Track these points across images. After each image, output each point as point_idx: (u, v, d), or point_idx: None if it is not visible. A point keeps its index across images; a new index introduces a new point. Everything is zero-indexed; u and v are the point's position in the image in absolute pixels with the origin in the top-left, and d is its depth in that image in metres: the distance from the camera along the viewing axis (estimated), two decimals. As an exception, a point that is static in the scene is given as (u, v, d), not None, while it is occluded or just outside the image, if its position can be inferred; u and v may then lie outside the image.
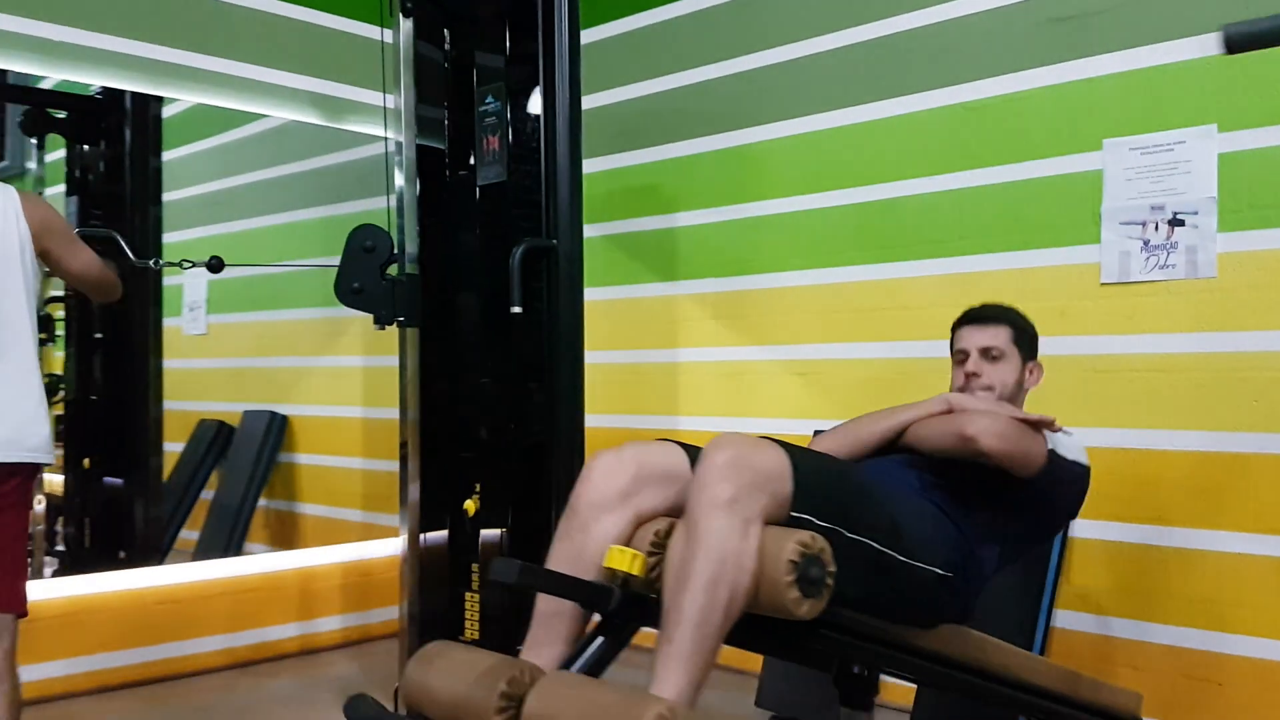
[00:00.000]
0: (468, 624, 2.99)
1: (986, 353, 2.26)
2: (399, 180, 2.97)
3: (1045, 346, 2.61)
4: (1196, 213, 2.80)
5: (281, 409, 4.77)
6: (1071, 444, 2.18)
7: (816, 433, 3.47)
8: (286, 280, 4.71)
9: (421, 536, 3.13)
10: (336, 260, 2.78)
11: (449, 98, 3.03)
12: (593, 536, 1.71)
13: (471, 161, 2.98)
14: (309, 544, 4.53)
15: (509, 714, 1.48)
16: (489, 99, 2.91)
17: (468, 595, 3.01)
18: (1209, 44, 2.78)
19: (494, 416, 2.98)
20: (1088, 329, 2.99)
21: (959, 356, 2.31)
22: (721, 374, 3.90)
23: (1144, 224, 2.91)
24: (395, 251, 2.80)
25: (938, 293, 3.33)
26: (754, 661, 3.15)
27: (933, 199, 3.36)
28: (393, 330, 2.89)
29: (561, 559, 1.71)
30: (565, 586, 1.61)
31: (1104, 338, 2.97)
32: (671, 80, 4.00)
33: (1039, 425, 2.05)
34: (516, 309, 2.74)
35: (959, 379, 2.29)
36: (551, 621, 1.70)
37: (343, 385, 4.79)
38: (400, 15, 2.88)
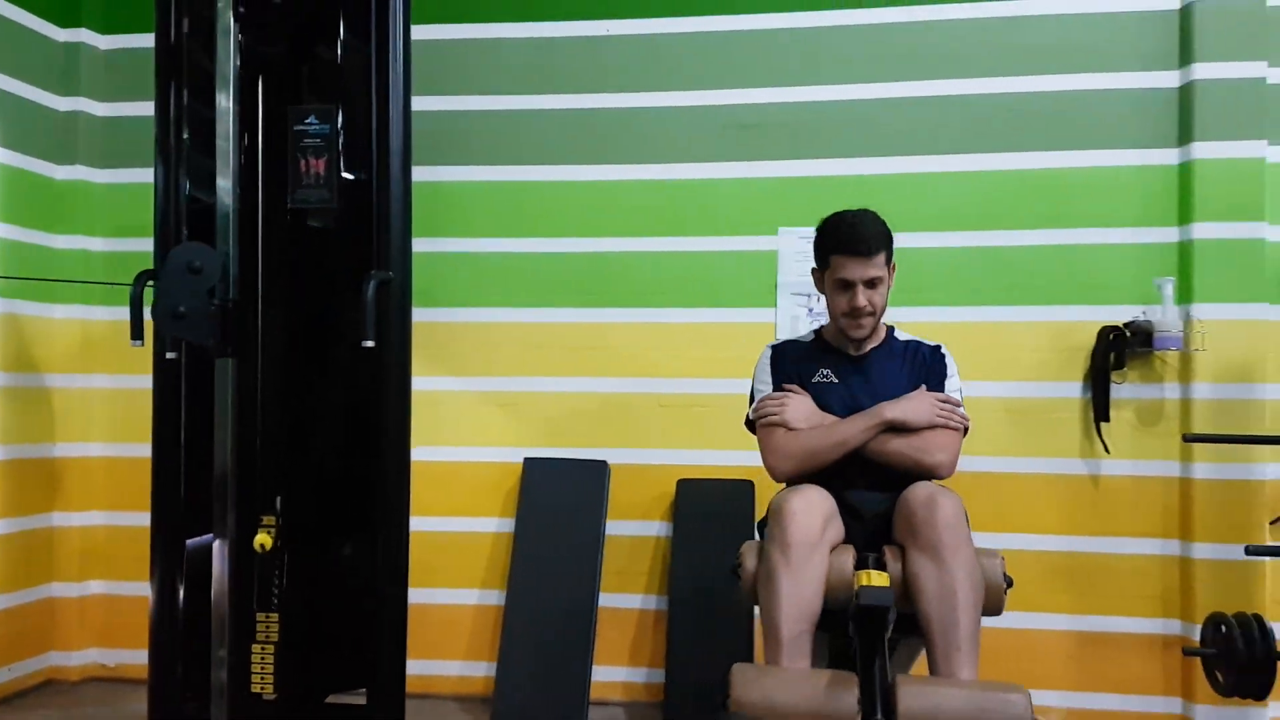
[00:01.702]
0: (256, 678, 2.79)
1: (870, 283, 2.41)
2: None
3: (728, 388, 3.38)
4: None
5: None
6: None
7: (527, 460, 3.84)
8: None
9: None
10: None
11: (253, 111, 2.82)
12: (814, 567, 2.03)
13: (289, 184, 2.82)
14: None
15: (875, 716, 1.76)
16: (310, 118, 2.80)
17: (255, 647, 2.80)
18: (856, 164, 3.78)
19: (309, 449, 2.85)
20: (766, 374, 3.80)
21: (842, 286, 2.44)
22: (417, 402, 3.98)
23: (809, 295, 3.80)
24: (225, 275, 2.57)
25: (640, 337, 3.90)
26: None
27: (635, 256, 3.92)
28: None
29: (796, 588, 2.04)
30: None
31: (777, 381, 3.79)
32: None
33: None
34: (369, 342, 2.70)
35: (842, 306, 2.45)
36: (801, 639, 1.93)
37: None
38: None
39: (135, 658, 3.93)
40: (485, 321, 3.92)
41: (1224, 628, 2.98)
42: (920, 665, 2.43)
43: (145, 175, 3.10)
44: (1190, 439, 3.39)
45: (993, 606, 2.11)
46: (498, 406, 3.95)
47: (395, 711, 2.85)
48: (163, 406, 2.89)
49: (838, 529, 2.19)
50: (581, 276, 3.94)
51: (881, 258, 2.44)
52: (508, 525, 3.91)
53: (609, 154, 3.93)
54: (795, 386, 2.50)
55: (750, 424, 2.65)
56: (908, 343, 2.58)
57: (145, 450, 2.94)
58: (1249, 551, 2.85)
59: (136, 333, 2.72)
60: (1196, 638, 3.29)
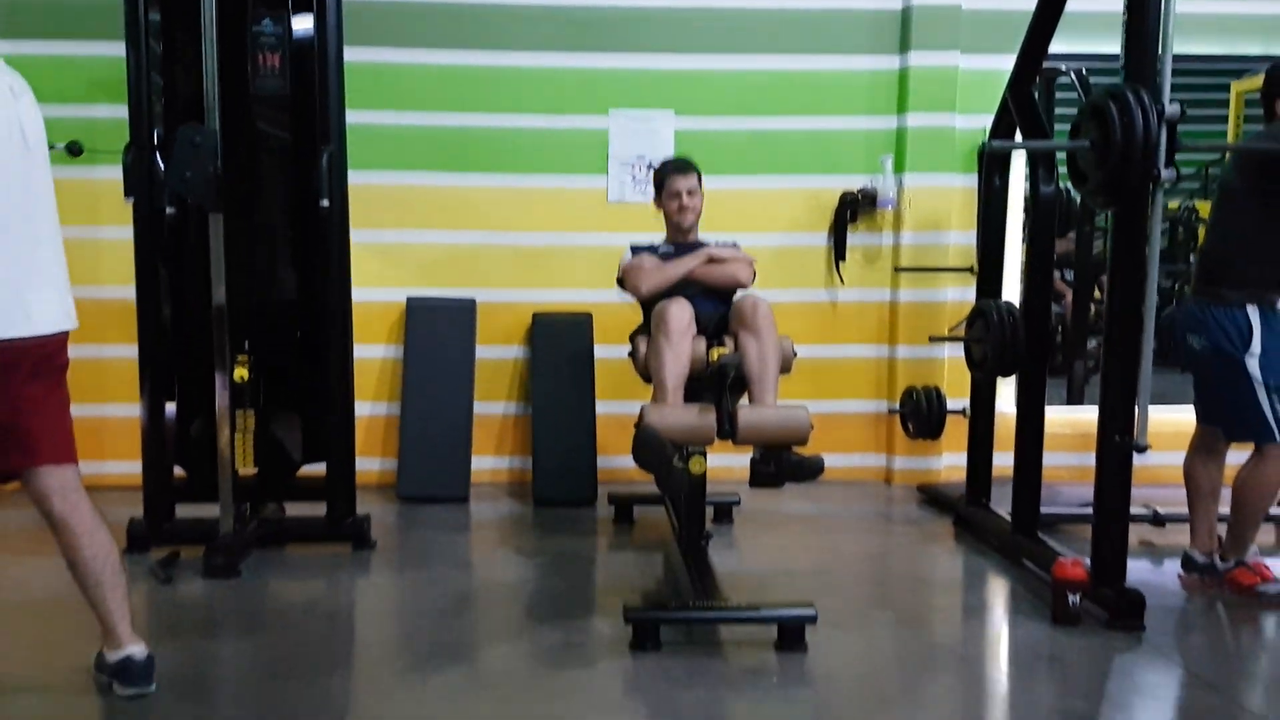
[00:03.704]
0: (239, 458, 3.63)
1: (690, 191, 3.63)
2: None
3: (572, 240, 4.45)
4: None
5: None
6: None
7: (409, 299, 4.74)
8: None
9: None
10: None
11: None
12: (685, 345, 3.14)
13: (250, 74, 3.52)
14: None
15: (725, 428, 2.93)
16: (265, 21, 3.51)
17: (238, 438, 3.63)
18: (673, 59, 4.83)
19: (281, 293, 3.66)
20: (598, 229, 4.85)
21: (672, 195, 3.62)
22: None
23: (633, 165, 4.87)
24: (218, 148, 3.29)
25: (497, 197, 4.83)
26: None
27: (495, 132, 4.81)
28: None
29: (676, 358, 3.11)
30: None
31: (607, 234, 4.83)
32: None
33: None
34: (325, 201, 3.52)
35: (674, 207, 3.62)
36: (679, 388, 3.04)
37: None
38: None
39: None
40: (366, 184, 4.68)
41: (914, 395, 4.46)
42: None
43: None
44: (900, 270, 4.82)
45: (785, 366, 3.38)
46: (380, 255, 4.78)
47: (348, 478, 3.81)
48: (145, 253, 3.60)
49: (694, 325, 3.36)
50: (448, 146, 4.79)
51: (695, 176, 3.66)
52: (394, 352, 4.82)
53: (472, 42, 4.75)
54: (647, 254, 3.67)
55: (621, 282, 3.72)
56: (716, 238, 3.82)
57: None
58: (931, 340, 4.29)
59: (129, 190, 3.43)
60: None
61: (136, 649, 2.46)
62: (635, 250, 3.73)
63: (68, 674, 2.57)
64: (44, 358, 2.37)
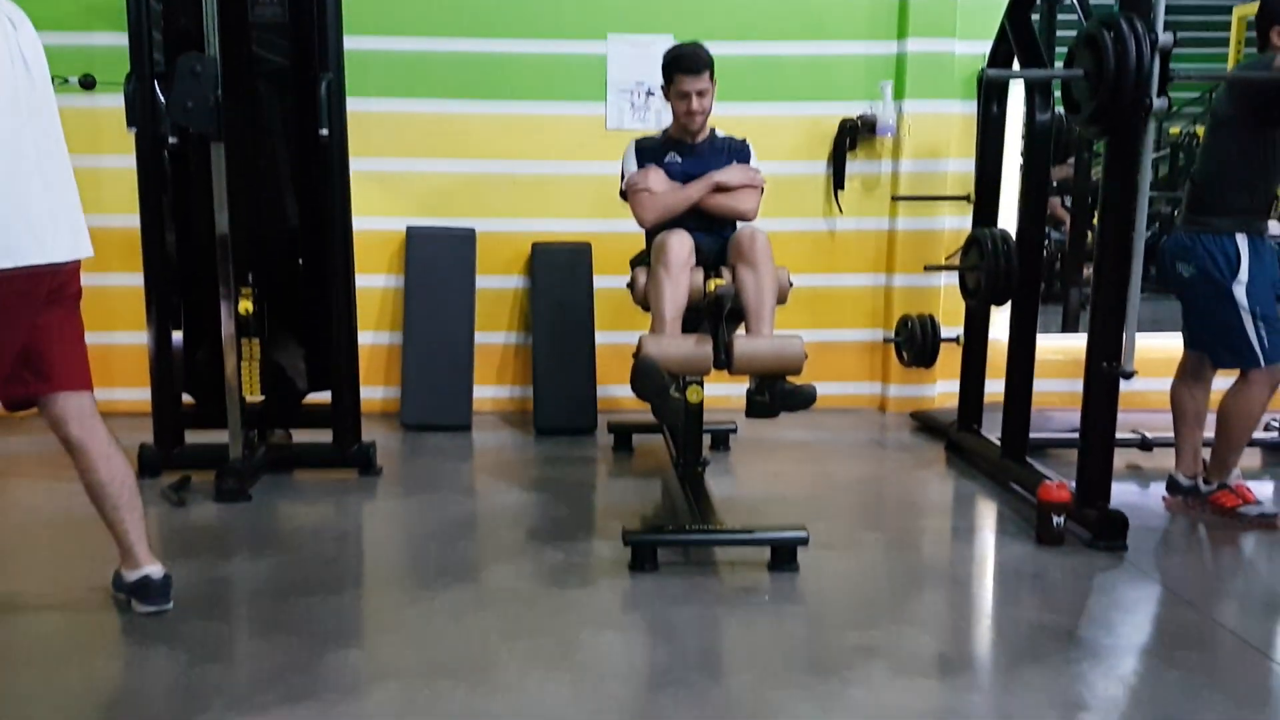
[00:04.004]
0: (246, 385, 3.71)
1: (700, 93, 3.42)
2: None
3: (570, 169, 4.42)
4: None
5: None
6: None
7: (409, 228, 4.77)
8: None
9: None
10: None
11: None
12: (684, 277, 3.17)
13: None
14: None
15: (721, 358, 2.98)
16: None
17: (245, 366, 3.70)
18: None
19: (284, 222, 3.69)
20: (597, 158, 4.84)
21: (681, 96, 3.42)
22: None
23: (632, 93, 4.86)
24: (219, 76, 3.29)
25: (496, 125, 4.83)
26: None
27: (488, 57, 4.78)
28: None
29: (675, 290, 3.14)
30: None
31: (606, 163, 4.83)
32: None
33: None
34: (325, 130, 3.54)
35: (682, 109, 3.43)
36: (677, 319, 3.09)
37: None
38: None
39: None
40: (366, 111, 4.68)
41: (908, 324, 4.51)
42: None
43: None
44: (897, 199, 4.85)
45: (782, 297, 3.40)
46: (380, 184, 4.80)
47: (353, 405, 3.89)
48: (148, 183, 3.63)
49: (694, 257, 3.38)
50: (445, 73, 4.77)
51: (707, 75, 3.46)
52: (396, 281, 4.87)
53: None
54: (653, 165, 3.60)
55: (623, 194, 3.71)
56: (725, 137, 3.73)
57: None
58: (926, 269, 4.34)
59: (131, 120, 3.45)
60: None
61: (154, 568, 2.56)
62: (640, 151, 3.62)
63: (86, 593, 2.68)
64: (59, 286, 2.43)
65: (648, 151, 3.64)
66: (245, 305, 3.60)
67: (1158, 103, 2.94)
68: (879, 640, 2.47)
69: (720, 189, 3.53)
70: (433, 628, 2.53)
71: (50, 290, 2.39)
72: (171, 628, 2.51)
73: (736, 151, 3.67)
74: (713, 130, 3.70)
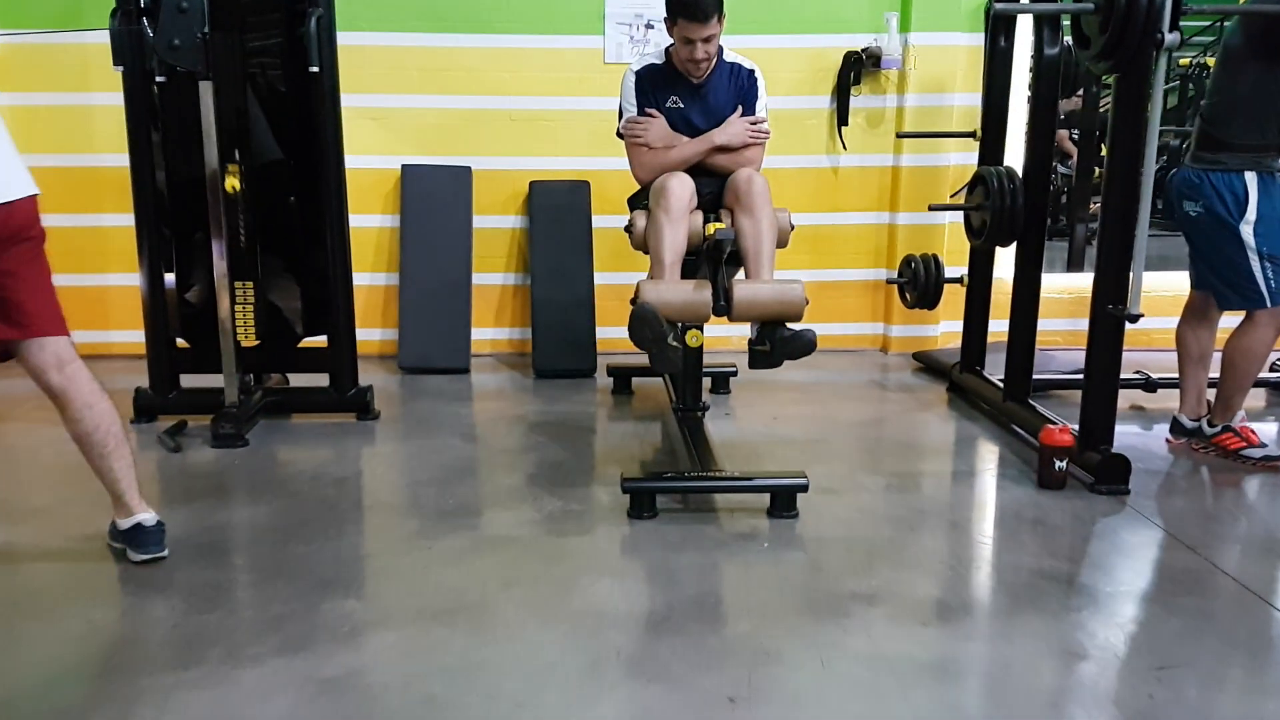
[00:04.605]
0: (241, 329, 3.67)
1: (707, 40, 3.21)
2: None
3: (567, 104, 4.30)
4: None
5: None
6: None
7: (405, 166, 4.68)
8: None
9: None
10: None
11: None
12: (685, 223, 3.10)
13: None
14: None
15: (720, 304, 2.91)
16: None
17: (237, 308, 3.65)
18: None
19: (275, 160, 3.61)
20: (595, 93, 4.74)
21: (686, 42, 3.21)
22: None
23: (631, 25, 4.73)
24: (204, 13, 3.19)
25: (488, 59, 4.71)
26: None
27: (481, -13, 4.66)
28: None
29: (675, 235, 3.07)
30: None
31: (604, 99, 4.72)
32: None
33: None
34: (315, 67, 3.44)
35: (685, 55, 3.24)
36: (676, 264, 3.03)
37: None
38: None
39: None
40: (358, 45, 4.56)
41: (912, 264, 4.45)
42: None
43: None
44: (902, 135, 4.75)
45: (782, 241, 3.32)
46: (371, 120, 4.70)
47: (350, 349, 3.85)
48: (137, 122, 3.54)
49: (694, 200, 3.29)
50: (437, 5, 4.65)
51: (715, 20, 3.20)
52: (391, 221, 4.80)
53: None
54: (654, 111, 3.48)
55: (620, 135, 3.61)
56: (733, 64, 3.53)
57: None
58: (930, 208, 4.26)
59: (117, 58, 3.36)
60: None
61: (146, 516, 2.55)
62: (640, 85, 3.43)
63: (82, 541, 2.67)
64: (16, 228, 2.34)
65: (648, 85, 3.45)
66: (232, 182, 3.47)
67: (1170, 37, 2.85)
68: (878, 587, 2.46)
69: (721, 150, 3.39)
70: (430, 575, 2.52)
71: (11, 233, 2.31)
72: (167, 575, 2.50)
73: (743, 90, 3.46)
74: (720, 53, 3.44)
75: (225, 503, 3.02)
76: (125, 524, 2.55)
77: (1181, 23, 2.87)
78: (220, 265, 3.48)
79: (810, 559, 2.65)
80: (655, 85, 3.45)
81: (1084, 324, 3.24)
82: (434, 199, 4.71)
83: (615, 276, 4.72)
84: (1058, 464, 3.11)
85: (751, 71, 3.48)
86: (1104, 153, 6.37)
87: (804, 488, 2.91)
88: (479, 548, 2.70)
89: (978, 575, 2.62)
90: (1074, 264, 5.95)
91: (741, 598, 2.45)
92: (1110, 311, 3.09)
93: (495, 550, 2.68)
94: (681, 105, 3.43)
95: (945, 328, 5.04)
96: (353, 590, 2.45)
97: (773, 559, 2.65)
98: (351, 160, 4.34)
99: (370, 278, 4.82)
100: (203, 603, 2.36)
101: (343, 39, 4.05)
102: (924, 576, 2.56)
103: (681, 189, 3.16)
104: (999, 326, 4.09)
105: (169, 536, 2.60)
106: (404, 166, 4.72)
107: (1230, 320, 3.43)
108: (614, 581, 2.49)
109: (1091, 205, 6.03)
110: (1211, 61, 6.92)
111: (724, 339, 4.63)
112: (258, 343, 3.70)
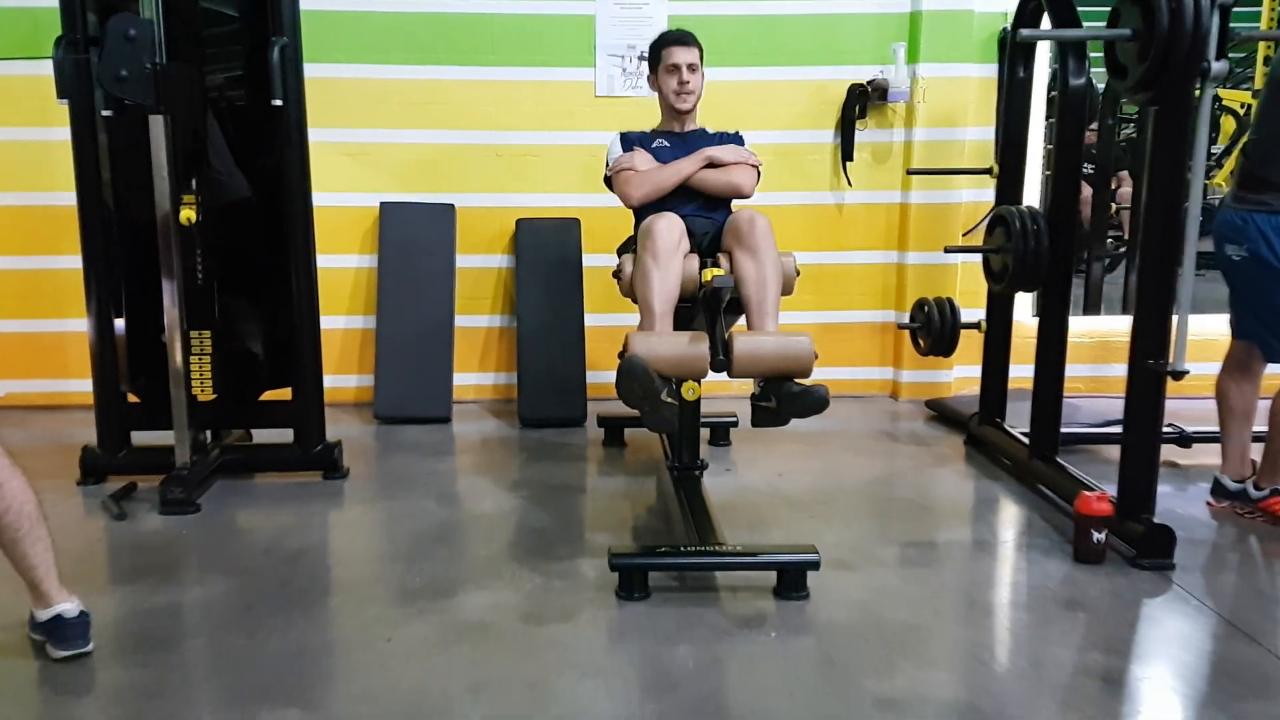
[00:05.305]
0: (196, 382, 3.36)
1: (691, 67, 3.22)
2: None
3: (557, 139, 4.05)
4: (653, 52, 4.44)
5: None
6: None
7: (383, 204, 4.40)
8: None
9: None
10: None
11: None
12: (675, 266, 2.84)
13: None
14: None
15: (719, 358, 2.63)
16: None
17: (193, 359, 3.35)
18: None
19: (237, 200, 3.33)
20: (586, 127, 4.47)
21: (671, 70, 3.22)
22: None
23: (623, 56, 4.47)
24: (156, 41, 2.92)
25: (474, 93, 4.45)
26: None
27: (467, 17, 4.39)
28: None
29: (665, 280, 2.81)
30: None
31: (595, 133, 4.47)
32: None
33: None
34: (278, 100, 3.16)
35: (672, 85, 3.23)
36: (668, 313, 2.74)
37: None
38: None
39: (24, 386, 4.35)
40: (330, 77, 4.30)
41: (925, 308, 4.15)
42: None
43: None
44: (911, 172, 4.47)
45: (787, 288, 3.04)
46: (347, 156, 4.42)
47: (317, 401, 3.55)
48: (84, 160, 3.26)
49: (686, 243, 3.01)
50: (418, 35, 4.38)
51: (696, 51, 3.25)
52: (368, 261, 4.51)
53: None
54: (639, 148, 3.27)
55: (608, 180, 3.36)
56: (716, 133, 3.40)
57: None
58: (947, 250, 3.98)
59: (61, 92, 3.08)
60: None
61: (67, 606, 2.24)
62: (625, 141, 3.35)
63: (2, 634, 2.36)
64: None
65: (634, 137, 3.38)
66: (187, 214, 3.15)
67: (1217, 66, 2.59)
68: (901, 688, 2.15)
69: (713, 165, 3.19)
70: (387, 675, 2.21)
71: None
72: (89, 675, 2.19)
73: (729, 139, 3.38)
74: (703, 127, 3.42)
75: (167, 582, 2.71)
76: (44, 615, 2.24)
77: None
78: (172, 311, 3.18)
79: (823, 652, 2.34)
80: (641, 137, 3.37)
81: (1106, 369, 2.95)
82: (414, 238, 4.42)
83: (607, 318, 4.43)
84: (1095, 536, 2.80)
85: (736, 132, 3.42)
86: (1115, 186, 6.14)
87: (815, 564, 2.60)
88: (445, 639, 2.38)
89: (1012, 671, 2.30)
90: (1091, 305, 5.67)
91: (746, 703, 2.13)
92: (1150, 366, 2.79)
93: (464, 641, 2.36)
94: (668, 145, 3.31)
95: (959, 373, 4.74)
96: (295, 697, 2.13)
97: (781, 652, 2.33)
98: (326, 198, 4.10)
99: (346, 320, 4.53)
100: (125, 712, 2.05)
101: (317, 71, 3.82)
102: (951, 675, 2.24)
103: (669, 229, 2.88)
104: (1018, 372, 3.80)
105: (98, 623, 2.31)
106: (383, 204, 4.44)
107: (1276, 371, 3.14)
108: (598, 684, 2.17)
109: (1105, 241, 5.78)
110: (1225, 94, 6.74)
111: (723, 384, 4.32)
112: (214, 396, 3.39)
